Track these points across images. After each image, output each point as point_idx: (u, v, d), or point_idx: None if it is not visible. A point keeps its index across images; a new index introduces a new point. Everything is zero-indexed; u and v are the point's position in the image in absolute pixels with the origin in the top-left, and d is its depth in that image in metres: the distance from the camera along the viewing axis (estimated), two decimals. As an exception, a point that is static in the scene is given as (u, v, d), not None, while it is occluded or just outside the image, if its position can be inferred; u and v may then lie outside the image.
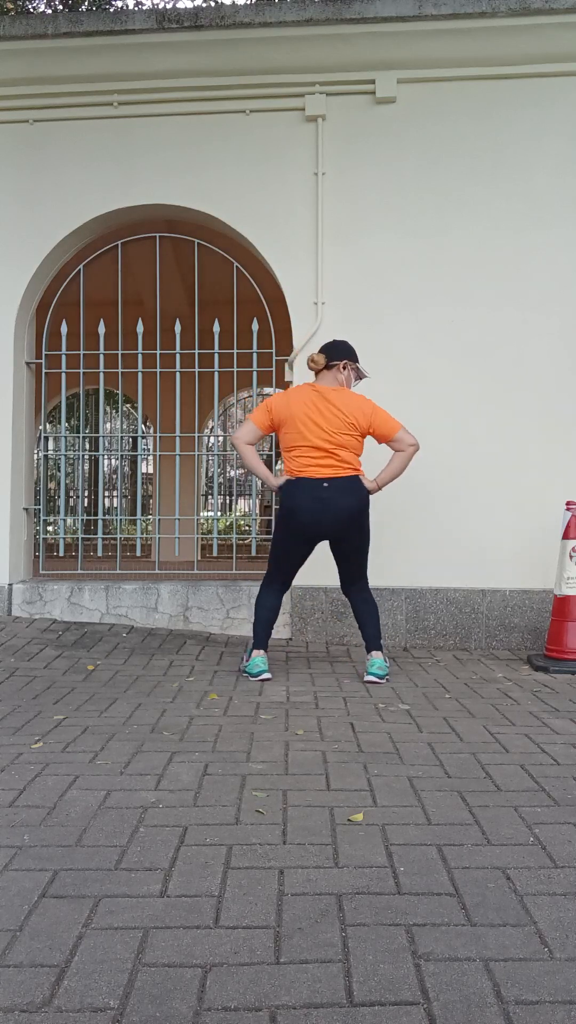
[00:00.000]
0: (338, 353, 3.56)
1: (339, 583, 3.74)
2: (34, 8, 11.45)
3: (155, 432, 6.61)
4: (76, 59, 4.47)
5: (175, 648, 4.08)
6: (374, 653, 3.51)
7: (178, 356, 4.85)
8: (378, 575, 4.41)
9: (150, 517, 6.86)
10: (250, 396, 12.41)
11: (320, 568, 4.41)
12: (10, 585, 4.59)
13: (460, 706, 3.01)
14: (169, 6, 7.72)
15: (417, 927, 1.39)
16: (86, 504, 16.12)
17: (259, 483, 15.50)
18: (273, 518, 4.76)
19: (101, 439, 5.37)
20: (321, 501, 3.41)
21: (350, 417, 3.43)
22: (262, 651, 3.55)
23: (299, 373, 4.50)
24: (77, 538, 5.49)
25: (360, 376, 3.66)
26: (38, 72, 4.52)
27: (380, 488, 3.53)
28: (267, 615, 3.59)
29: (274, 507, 6.73)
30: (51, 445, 12.54)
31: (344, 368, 3.57)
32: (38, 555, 5.73)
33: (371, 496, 3.72)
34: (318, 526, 3.44)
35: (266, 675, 3.47)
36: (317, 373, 3.59)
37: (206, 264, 7.54)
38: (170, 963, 1.28)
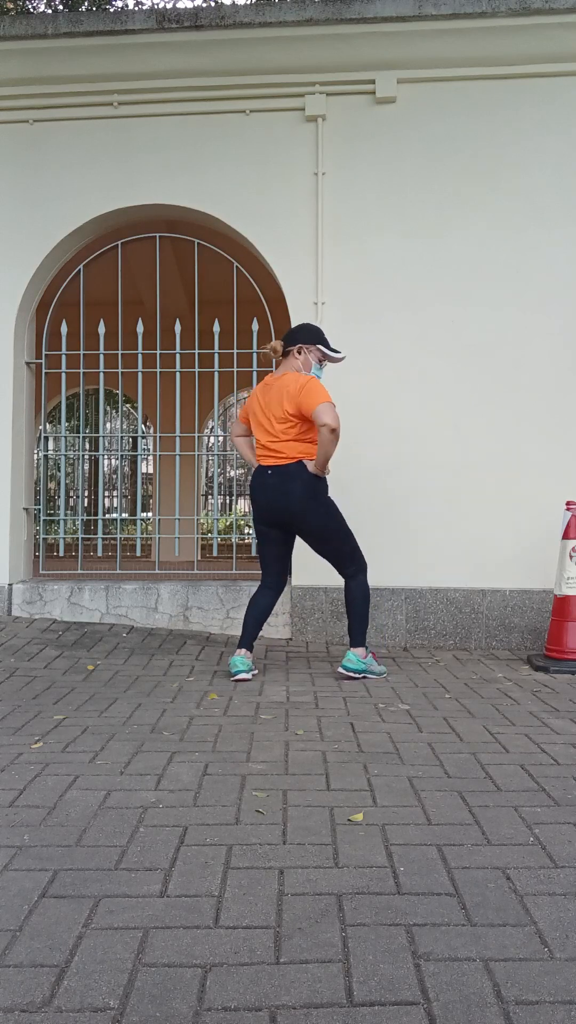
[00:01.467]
0: (292, 338, 3.54)
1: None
2: (34, 8, 11.45)
3: (155, 432, 6.61)
4: (76, 59, 4.47)
5: (175, 648, 4.08)
6: (353, 647, 3.52)
7: (178, 356, 4.85)
8: (378, 575, 4.41)
9: (150, 517, 6.86)
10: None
11: (321, 568, 4.41)
12: (10, 585, 4.59)
13: (460, 706, 3.01)
14: (169, 6, 7.72)
15: (417, 927, 1.39)
16: (86, 504, 16.12)
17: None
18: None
19: (101, 439, 5.37)
20: (266, 489, 3.48)
21: (285, 402, 3.42)
22: (243, 650, 3.51)
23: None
24: (77, 538, 5.49)
25: (327, 358, 3.56)
26: (38, 72, 4.52)
27: (320, 471, 3.41)
28: (254, 613, 3.57)
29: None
30: (51, 445, 12.55)
31: (300, 352, 3.52)
32: (38, 555, 5.73)
33: (325, 479, 3.51)
34: (269, 513, 3.49)
35: (243, 675, 3.41)
36: (278, 363, 3.55)
37: (206, 264, 7.54)
38: (170, 963, 1.28)
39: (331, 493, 4.39)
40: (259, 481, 3.53)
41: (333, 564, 3.58)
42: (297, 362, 3.53)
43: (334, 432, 3.28)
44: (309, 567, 4.43)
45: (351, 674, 3.45)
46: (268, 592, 3.60)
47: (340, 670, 3.47)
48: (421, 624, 4.36)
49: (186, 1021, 1.14)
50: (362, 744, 2.49)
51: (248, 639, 3.54)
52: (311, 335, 3.53)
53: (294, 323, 4.50)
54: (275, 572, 3.61)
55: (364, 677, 3.49)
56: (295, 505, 3.42)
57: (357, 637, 3.52)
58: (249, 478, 4.43)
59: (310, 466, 3.43)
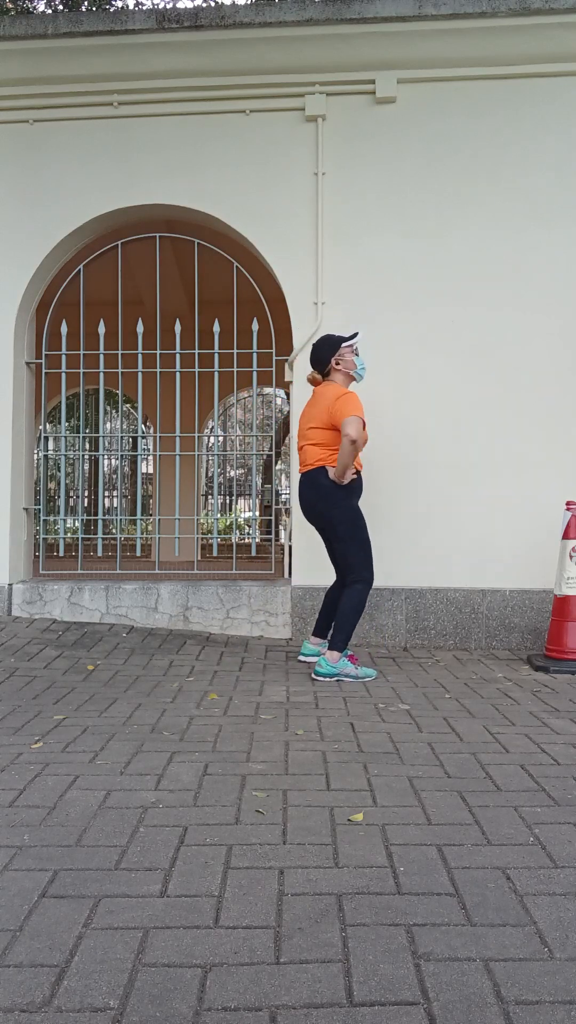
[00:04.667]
0: (319, 360, 3.71)
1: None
2: (34, 8, 11.45)
3: (155, 432, 6.61)
4: (76, 59, 4.47)
5: (175, 648, 4.08)
6: (328, 650, 3.56)
7: (178, 356, 4.85)
8: (378, 575, 4.41)
9: (150, 517, 6.86)
10: (250, 396, 12.41)
11: (320, 568, 4.41)
12: (10, 585, 4.59)
13: (460, 706, 3.00)
14: (169, 6, 7.72)
15: (417, 927, 1.39)
16: (86, 504, 16.12)
17: (259, 483, 15.52)
18: (273, 518, 4.76)
19: (101, 439, 5.37)
20: (300, 494, 3.70)
21: (317, 409, 3.61)
22: (313, 636, 3.86)
23: (299, 373, 4.50)
24: (77, 538, 5.49)
25: (351, 348, 3.67)
26: (38, 72, 4.52)
27: (339, 479, 3.51)
28: (324, 603, 3.86)
29: (274, 507, 6.74)
30: (51, 445, 12.54)
31: (337, 363, 3.67)
32: (38, 555, 5.73)
33: (347, 486, 3.55)
34: (305, 516, 3.74)
35: (302, 657, 3.86)
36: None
37: (206, 264, 7.54)
38: (170, 963, 1.28)
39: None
40: (299, 488, 3.74)
41: (337, 566, 3.72)
42: (340, 374, 3.68)
43: (353, 444, 3.42)
44: (309, 567, 4.43)
45: (321, 678, 3.51)
46: (336, 585, 3.81)
47: (312, 676, 3.56)
48: (421, 624, 4.36)
49: (186, 1021, 1.14)
50: (362, 744, 2.49)
51: (317, 627, 3.85)
52: (329, 346, 3.67)
53: (294, 323, 4.50)
54: (338, 568, 3.76)
55: (338, 680, 3.51)
56: (312, 509, 3.64)
57: (334, 641, 3.56)
58: (249, 479, 4.50)
59: (330, 472, 3.56)
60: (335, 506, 3.56)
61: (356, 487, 3.63)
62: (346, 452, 3.43)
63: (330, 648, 3.55)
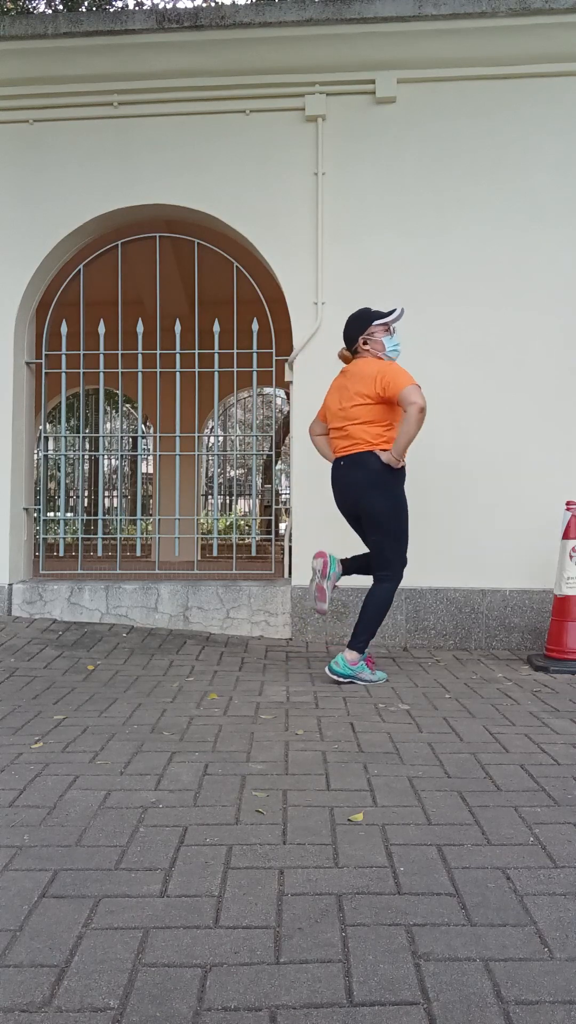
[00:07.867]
0: (349, 337, 3.51)
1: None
2: (34, 8, 11.44)
3: (155, 432, 6.61)
4: (76, 59, 4.47)
5: (175, 648, 4.08)
6: (348, 649, 3.41)
7: (178, 356, 4.85)
8: (378, 575, 4.41)
9: (150, 517, 6.86)
10: (250, 396, 12.41)
11: (320, 568, 4.41)
12: (10, 585, 4.59)
13: (460, 706, 3.00)
14: (169, 6, 7.72)
15: (417, 927, 1.39)
16: (86, 504, 16.12)
17: (259, 483, 15.50)
18: (273, 518, 4.76)
19: (101, 439, 5.37)
20: (338, 480, 3.48)
21: (359, 385, 3.36)
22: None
23: (299, 373, 4.50)
24: (77, 538, 5.49)
25: (388, 326, 3.44)
26: (38, 72, 4.52)
27: (397, 457, 3.29)
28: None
29: (274, 507, 6.74)
30: (51, 445, 12.54)
31: (365, 343, 3.45)
32: (38, 555, 5.73)
33: (398, 469, 3.38)
34: (343, 504, 3.50)
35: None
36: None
37: (206, 264, 7.54)
38: (170, 963, 1.28)
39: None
40: (335, 474, 3.51)
41: (373, 559, 3.48)
42: (367, 351, 3.46)
43: (422, 411, 3.19)
44: (309, 567, 4.43)
45: (336, 678, 3.38)
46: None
47: (327, 671, 3.42)
48: (421, 624, 4.36)
49: (186, 1021, 1.14)
50: (362, 744, 2.49)
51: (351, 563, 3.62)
52: (361, 322, 3.46)
53: (294, 323, 4.50)
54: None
55: (351, 682, 3.39)
56: (360, 494, 3.37)
57: (356, 640, 3.40)
58: (249, 479, 4.47)
59: (383, 456, 3.33)
60: (387, 494, 3.35)
61: (404, 473, 3.43)
62: (412, 422, 3.16)
63: (350, 647, 3.38)
